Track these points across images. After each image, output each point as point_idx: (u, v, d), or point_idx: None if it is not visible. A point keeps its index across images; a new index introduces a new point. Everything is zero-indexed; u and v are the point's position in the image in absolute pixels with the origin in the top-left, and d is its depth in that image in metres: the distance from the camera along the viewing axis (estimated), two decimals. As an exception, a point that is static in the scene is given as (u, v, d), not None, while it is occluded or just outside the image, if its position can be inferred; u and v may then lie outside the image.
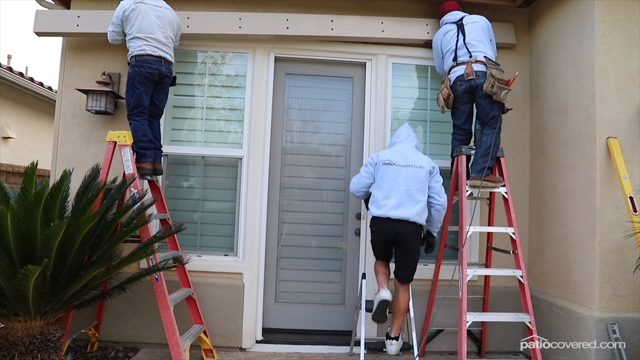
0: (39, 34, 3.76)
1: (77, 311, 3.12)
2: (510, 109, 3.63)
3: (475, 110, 3.59)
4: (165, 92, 3.50)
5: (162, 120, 3.69)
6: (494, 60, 3.47)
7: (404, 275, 3.24)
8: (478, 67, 3.39)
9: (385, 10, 3.99)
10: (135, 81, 3.23)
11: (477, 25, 3.52)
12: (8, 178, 5.58)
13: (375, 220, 3.26)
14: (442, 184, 3.30)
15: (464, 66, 3.43)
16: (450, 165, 3.73)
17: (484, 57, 3.40)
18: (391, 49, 4.00)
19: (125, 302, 3.62)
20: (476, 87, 3.38)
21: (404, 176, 3.20)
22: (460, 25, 3.57)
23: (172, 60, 3.41)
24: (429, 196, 3.25)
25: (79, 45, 3.88)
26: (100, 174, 3.27)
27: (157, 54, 3.25)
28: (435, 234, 3.42)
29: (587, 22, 3.33)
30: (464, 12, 3.75)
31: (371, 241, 3.39)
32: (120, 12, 3.27)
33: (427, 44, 3.96)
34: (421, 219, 3.20)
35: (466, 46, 3.47)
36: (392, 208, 3.15)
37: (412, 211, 3.15)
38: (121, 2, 3.35)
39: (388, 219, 3.16)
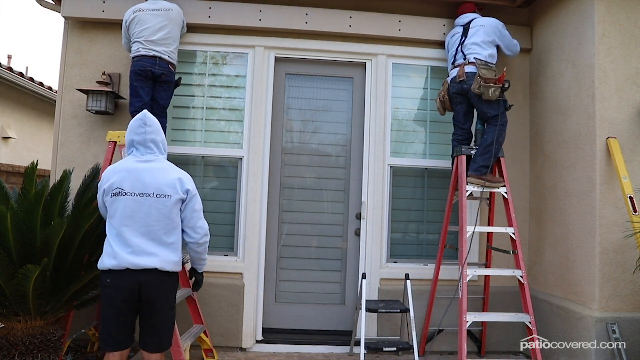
0: (66, 18, 3.85)
1: (78, 311, 3.11)
2: (512, 105, 3.58)
3: (474, 111, 3.63)
4: (167, 90, 3.56)
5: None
6: (489, 61, 3.46)
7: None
8: (469, 69, 3.44)
9: (388, 9, 4.00)
10: (132, 79, 3.45)
11: (481, 29, 3.53)
12: (8, 178, 5.57)
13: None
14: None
15: (457, 68, 3.51)
16: (450, 165, 3.74)
17: (474, 58, 3.43)
18: (391, 48, 4.00)
19: (125, 302, 3.61)
20: (468, 88, 3.41)
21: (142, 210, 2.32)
22: (466, 28, 3.60)
23: (169, 59, 3.49)
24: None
25: (80, 45, 3.89)
26: (100, 174, 3.27)
27: (150, 54, 3.42)
28: (201, 270, 2.75)
29: (587, 22, 3.33)
30: (477, 13, 3.75)
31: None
32: (124, 24, 3.54)
33: (443, 44, 3.99)
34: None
35: (462, 50, 3.52)
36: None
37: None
38: (125, 13, 3.53)
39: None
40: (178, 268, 2.38)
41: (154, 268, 2.24)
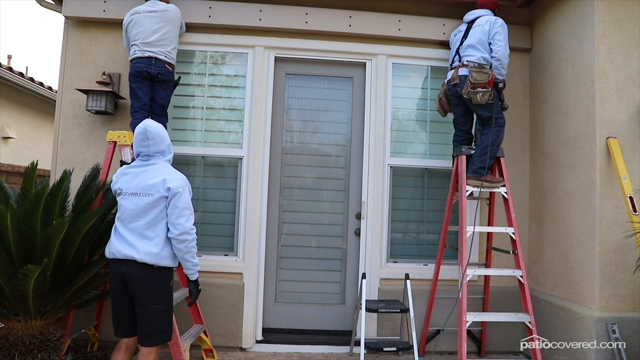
0: (67, 17, 3.86)
1: (78, 311, 3.12)
2: (507, 107, 3.50)
3: (473, 113, 3.60)
4: (165, 89, 3.55)
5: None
6: (483, 63, 3.35)
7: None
8: (462, 72, 3.41)
9: (388, 9, 4.00)
10: (130, 81, 3.48)
11: (479, 29, 3.44)
12: (8, 178, 5.57)
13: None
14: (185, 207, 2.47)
15: (453, 70, 3.50)
16: (451, 165, 3.74)
17: (467, 61, 3.40)
18: (391, 48, 4.01)
19: (125, 302, 3.61)
20: (461, 92, 3.40)
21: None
22: (469, 27, 3.54)
23: (165, 59, 3.49)
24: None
25: (80, 45, 3.89)
26: (100, 174, 3.27)
27: (146, 55, 3.43)
28: (192, 278, 2.64)
29: (587, 22, 3.33)
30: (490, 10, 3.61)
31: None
32: (124, 27, 3.59)
33: (443, 44, 3.98)
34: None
35: (460, 51, 3.52)
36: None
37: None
38: (124, 17, 3.57)
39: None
40: (159, 261, 2.43)
41: (133, 259, 2.40)
